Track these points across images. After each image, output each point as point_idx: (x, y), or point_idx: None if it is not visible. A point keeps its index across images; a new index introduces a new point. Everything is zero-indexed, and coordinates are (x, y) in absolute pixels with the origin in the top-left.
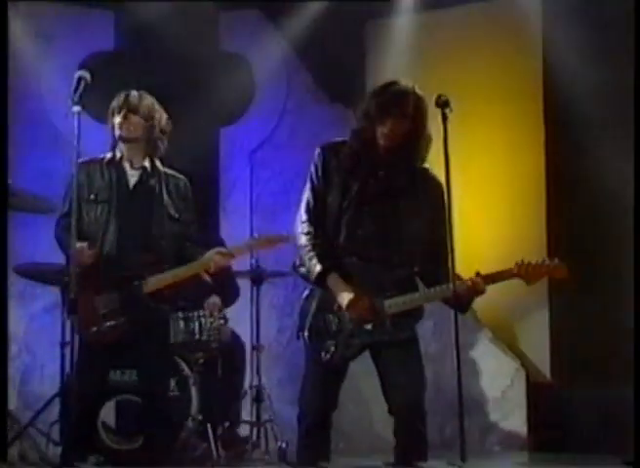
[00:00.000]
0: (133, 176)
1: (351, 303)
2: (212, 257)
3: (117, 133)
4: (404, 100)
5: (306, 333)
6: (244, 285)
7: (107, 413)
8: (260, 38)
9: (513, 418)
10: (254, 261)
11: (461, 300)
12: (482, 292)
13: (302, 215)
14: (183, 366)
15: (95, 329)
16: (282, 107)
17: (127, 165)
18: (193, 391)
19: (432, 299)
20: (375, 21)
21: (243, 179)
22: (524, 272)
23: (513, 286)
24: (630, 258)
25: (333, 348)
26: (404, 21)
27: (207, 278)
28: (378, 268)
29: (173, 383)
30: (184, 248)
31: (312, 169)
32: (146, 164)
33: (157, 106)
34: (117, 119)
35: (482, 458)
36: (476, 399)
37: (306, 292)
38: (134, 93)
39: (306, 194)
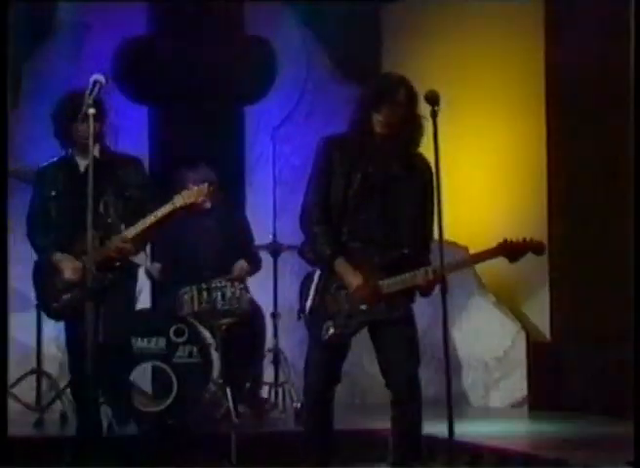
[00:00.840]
0: (82, 165)
1: (359, 287)
2: (144, 221)
3: (78, 136)
4: (396, 89)
5: (307, 314)
6: (265, 258)
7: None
8: (281, 22)
9: (514, 377)
10: (271, 236)
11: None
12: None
13: (310, 206)
14: (205, 334)
15: (55, 304)
16: (302, 87)
17: (78, 158)
18: (214, 357)
19: (417, 282)
20: (389, 5)
21: (266, 155)
22: (506, 250)
23: None
24: (630, 226)
25: (332, 328)
26: (416, 4)
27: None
28: (378, 251)
29: (195, 350)
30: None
31: (316, 162)
32: (95, 153)
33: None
34: (91, 110)
35: (484, 414)
36: (480, 358)
37: (305, 275)
38: (91, 96)
39: (312, 186)
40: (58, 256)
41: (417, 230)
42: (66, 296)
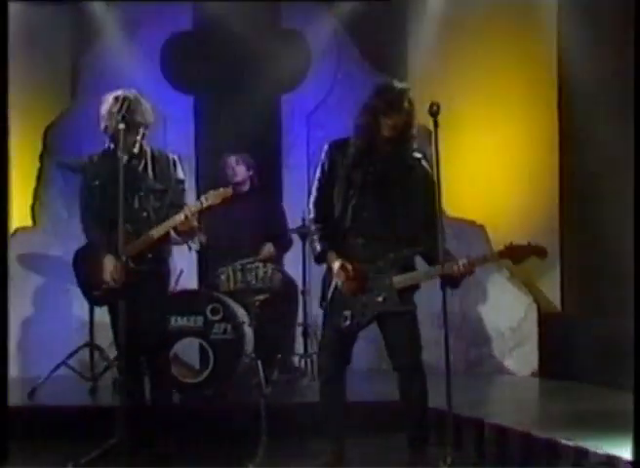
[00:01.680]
0: (123, 160)
1: (340, 269)
2: (174, 218)
3: (118, 132)
4: (404, 97)
5: (327, 304)
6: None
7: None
8: (314, 17)
9: (526, 346)
10: (300, 219)
11: (454, 279)
12: (471, 273)
13: (310, 205)
14: (238, 312)
15: (96, 292)
16: (333, 76)
17: (119, 152)
18: (247, 333)
19: (432, 277)
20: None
21: (301, 139)
22: (511, 254)
23: (529, 230)
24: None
25: (349, 317)
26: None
27: (175, 236)
28: (379, 246)
29: (230, 327)
30: (170, 213)
31: (321, 164)
32: (135, 150)
33: (148, 105)
34: (121, 125)
35: (498, 381)
36: (495, 328)
37: (326, 269)
38: (132, 97)
39: (314, 187)
40: (105, 257)
41: (426, 229)
42: (106, 286)
